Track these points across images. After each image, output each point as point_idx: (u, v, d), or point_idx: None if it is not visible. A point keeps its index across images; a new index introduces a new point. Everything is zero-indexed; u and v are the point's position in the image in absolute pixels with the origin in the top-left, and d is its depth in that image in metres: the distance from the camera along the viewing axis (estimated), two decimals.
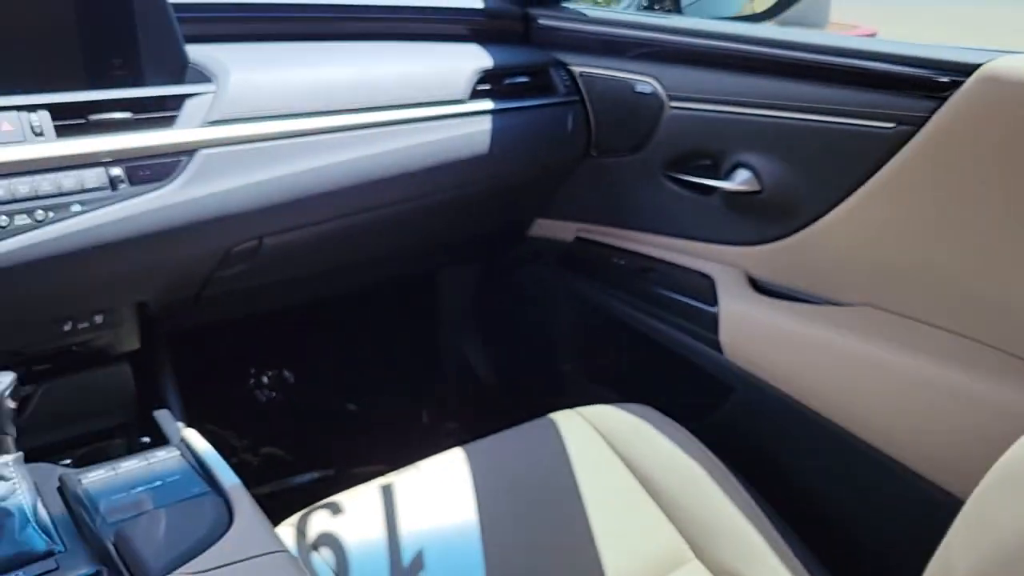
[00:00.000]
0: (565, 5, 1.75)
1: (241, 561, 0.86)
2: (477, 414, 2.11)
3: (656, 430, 1.32)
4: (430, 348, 2.20)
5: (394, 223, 1.46)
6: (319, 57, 1.38)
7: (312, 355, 2.10)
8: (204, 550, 0.87)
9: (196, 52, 1.29)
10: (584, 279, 1.79)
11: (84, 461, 1.13)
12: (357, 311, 2.06)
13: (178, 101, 1.18)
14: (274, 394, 2.08)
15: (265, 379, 2.07)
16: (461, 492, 1.20)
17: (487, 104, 1.49)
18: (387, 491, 1.20)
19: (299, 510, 1.19)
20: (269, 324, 1.99)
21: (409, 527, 1.14)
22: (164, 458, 1.05)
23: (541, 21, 1.70)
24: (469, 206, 1.60)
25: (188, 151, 1.15)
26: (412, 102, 1.37)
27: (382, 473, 2.01)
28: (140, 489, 0.98)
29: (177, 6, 1.27)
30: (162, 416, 1.19)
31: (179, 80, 1.27)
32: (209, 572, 0.83)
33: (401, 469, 1.27)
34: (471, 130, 1.45)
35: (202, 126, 1.17)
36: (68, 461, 1.12)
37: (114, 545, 0.88)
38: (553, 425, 1.33)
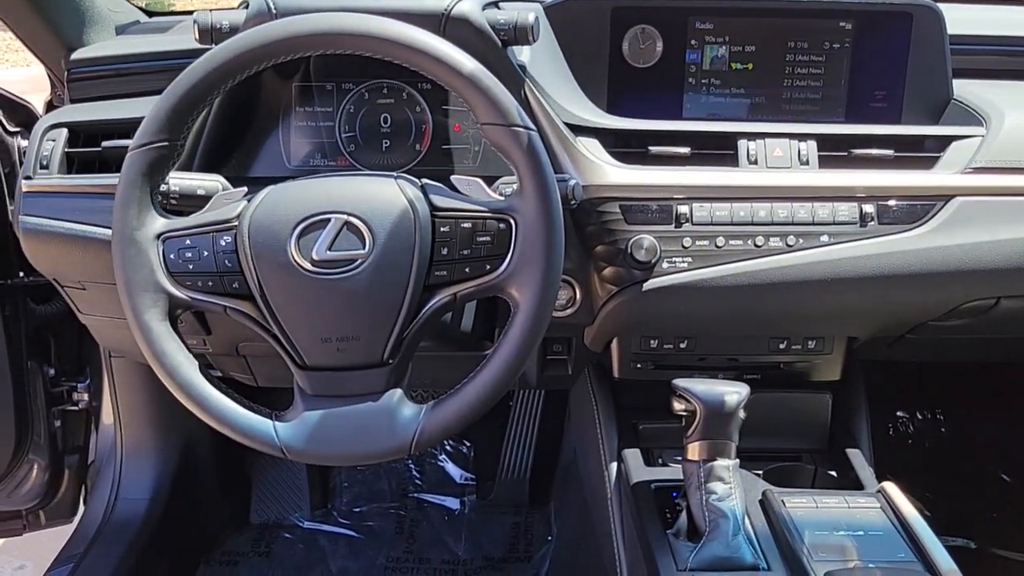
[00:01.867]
0: None
1: None
2: None
3: None
4: None
5: None
6: None
7: (974, 411, 1.92)
8: None
9: (959, 87, 1.23)
10: None
11: (772, 476, 1.18)
12: None
13: (942, 143, 1.13)
14: (922, 439, 1.95)
15: (916, 421, 1.95)
16: None
17: None
18: None
19: None
20: (935, 367, 1.87)
21: None
22: (865, 506, 1.04)
23: None
24: None
25: (945, 196, 1.10)
26: None
27: None
28: (843, 533, 0.99)
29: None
30: (855, 456, 1.18)
31: (937, 117, 1.22)
32: None
33: None
34: None
35: (964, 172, 1.11)
36: (760, 472, 1.18)
37: None
38: None
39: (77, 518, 1.66)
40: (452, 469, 1.95)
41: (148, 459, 1.63)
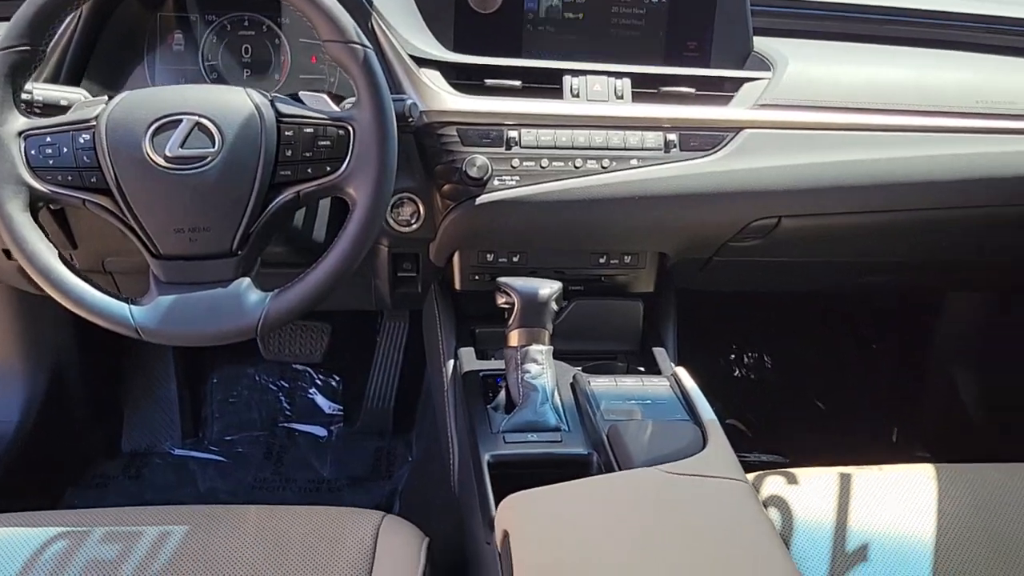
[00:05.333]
0: None
1: (706, 476, 0.98)
2: (954, 447, 1.98)
3: None
4: (915, 367, 2.11)
5: (912, 230, 1.44)
6: (876, 57, 1.42)
7: (794, 345, 2.15)
8: (677, 460, 1.01)
9: (760, 43, 1.41)
10: None
11: (591, 372, 1.35)
12: (850, 312, 2.05)
13: (736, 83, 1.31)
14: (749, 373, 2.18)
15: (745, 357, 2.18)
16: (922, 505, 1.18)
17: None
18: (845, 480, 1.22)
19: None
20: (761, 306, 2.08)
21: (860, 519, 1.15)
22: (656, 384, 1.22)
23: None
24: (1000, 227, 1.51)
25: (736, 128, 1.28)
26: (967, 111, 1.33)
27: None
28: (633, 402, 1.17)
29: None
30: (659, 353, 1.36)
31: (740, 66, 1.41)
32: (678, 476, 0.97)
33: (864, 467, 1.28)
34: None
35: (752, 108, 1.29)
36: (580, 368, 1.34)
37: (607, 436, 1.07)
38: None
39: None
40: (321, 401, 2.06)
41: (16, 382, 1.68)
